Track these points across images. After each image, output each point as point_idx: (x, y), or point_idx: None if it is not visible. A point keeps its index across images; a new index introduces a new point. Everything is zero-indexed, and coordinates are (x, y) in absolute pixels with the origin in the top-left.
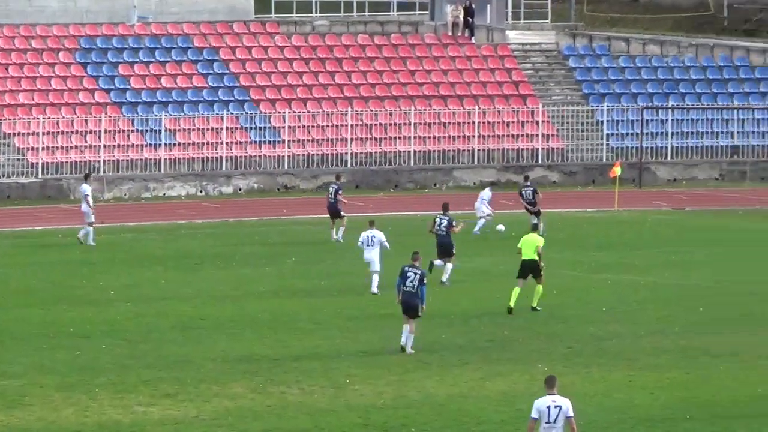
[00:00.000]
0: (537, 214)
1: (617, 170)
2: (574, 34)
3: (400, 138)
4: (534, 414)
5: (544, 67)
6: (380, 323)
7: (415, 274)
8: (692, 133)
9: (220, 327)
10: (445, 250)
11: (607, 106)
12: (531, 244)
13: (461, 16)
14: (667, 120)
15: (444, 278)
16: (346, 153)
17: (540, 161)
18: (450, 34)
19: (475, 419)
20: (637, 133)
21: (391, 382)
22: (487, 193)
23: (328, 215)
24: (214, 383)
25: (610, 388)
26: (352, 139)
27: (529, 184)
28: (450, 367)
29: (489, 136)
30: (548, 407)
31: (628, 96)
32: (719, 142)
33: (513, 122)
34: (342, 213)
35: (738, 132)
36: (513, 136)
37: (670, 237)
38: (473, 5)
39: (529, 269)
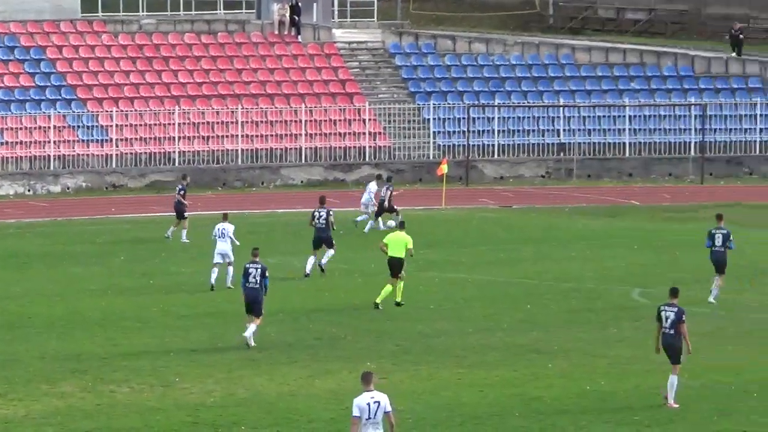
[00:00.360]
0: (393, 211)
1: (444, 168)
2: (400, 33)
3: (227, 136)
4: (355, 412)
5: (370, 66)
6: (209, 321)
7: (256, 269)
8: (518, 131)
9: (50, 326)
10: (326, 244)
11: (434, 104)
12: (400, 242)
13: (288, 15)
14: (493, 118)
15: (323, 261)
16: (174, 151)
17: (367, 159)
18: (277, 32)
19: (305, 417)
20: (464, 131)
21: (220, 381)
22: (373, 185)
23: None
24: (44, 382)
25: (439, 385)
26: (179, 138)
27: (388, 183)
28: (279, 365)
29: (316, 134)
30: (368, 404)
31: (454, 94)
32: (545, 140)
33: (340, 120)
34: (185, 213)
35: (564, 130)
36: (340, 134)
37: (497, 235)
38: (300, 4)
39: (398, 267)
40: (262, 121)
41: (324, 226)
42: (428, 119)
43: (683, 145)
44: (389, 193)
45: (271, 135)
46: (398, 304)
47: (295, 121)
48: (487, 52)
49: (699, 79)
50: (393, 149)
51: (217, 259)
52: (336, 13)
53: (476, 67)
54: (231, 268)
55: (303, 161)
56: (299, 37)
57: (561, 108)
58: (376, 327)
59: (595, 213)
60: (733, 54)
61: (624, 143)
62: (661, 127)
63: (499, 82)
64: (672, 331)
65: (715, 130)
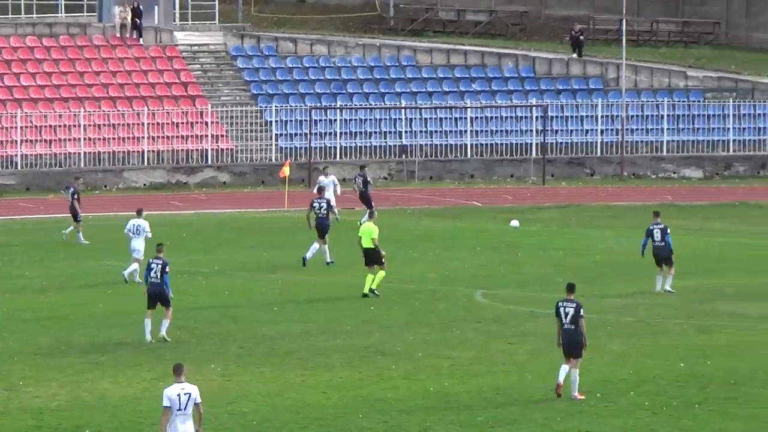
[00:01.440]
0: (367, 202)
1: (286, 170)
2: (242, 35)
3: (70, 140)
4: (165, 403)
5: (212, 68)
6: (52, 325)
7: (158, 264)
8: (360, 132)
9: None
10: (323, 231)
11: (276, 107)
12: (367, 234)
13: (129, 18)
14: (335, 120)
15: (328, 259)
16: (16, 155)
17: (209, 162)
18: (118, 35)
19: (149, 419)
20: (306, 134)
21: (64, 384)
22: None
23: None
24: None
25: (284, 387)
26: (22, 141)
27: (361, 174)
28: (123, 368)
29: (158, 137)
30: (178, 395)
31: (296, 96)
32: (387, 141)
33: (182, 123)
34: (79, 216)
35: (406, 132)
36: (182, 137)
37: (340, 236)
38: (141, 7)
39: (372, 257)
40: (104, 124)
41: (324, 215)
42: (270, 121)
43: (525, 147)
44: (361, 180)
45: (114, 138)
46: (372, 291)
47: (138, 124)
48: (328, 54)
49: (540, 81)
50: (235, 152)
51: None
52: (177, 15)
53: (318, 69)
54: (137, 264)
55: (145, 164)
56: (141, 39)
57: (402, 110)
58: (220, 329)
59: (438, 214)
60: (574, 55)
61: (465, 145)
62: (503, 128)
63: (341, 84)
64: (573, 326)
65: (557, 131)
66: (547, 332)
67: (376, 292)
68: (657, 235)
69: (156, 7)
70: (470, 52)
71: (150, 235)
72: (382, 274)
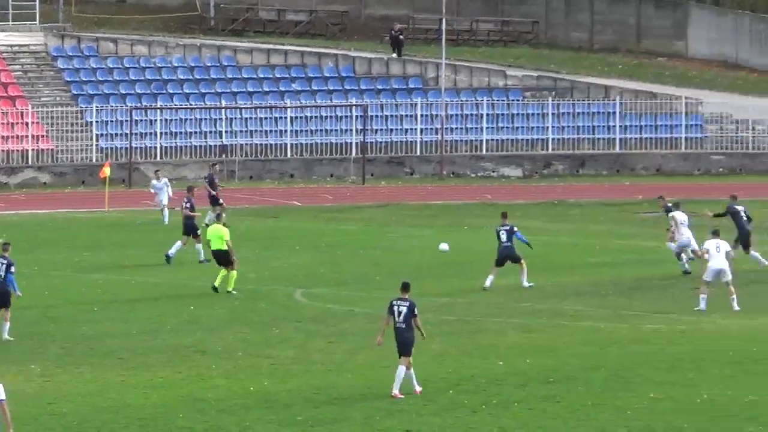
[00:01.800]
0: (216, 203)
1: (107, 171)
2: (62, 36)
3: None
4: None
5: (33, 69)
6: None
7: (2, 264)
8: (181, 133)
9: None
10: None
11: (96, 107)
12: (218, 235)
13: None
14: (155, 120)
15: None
16: None
17: (30, 162)
18: None
19: None
20: (127, 134)
21: None
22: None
23: None
24: None
25: (103, 387)
26: None
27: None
28: None
29: None
30: None
31: (116, 96)
32: (208, 141)
33: (2, 124)
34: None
35: (226, 131)
36: (2, 137)
37: (161, 237)
38: None
39: (222, 259)
40: None
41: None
42: (91, 122)
43: (344, 146)
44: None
45: None
46: (229, 292)
47: None
48: (149, 54)
49: (360, 80)
50: (56, 152)
51: None
52: None
53: (138, 69)
54: None
55: None
56: None
57: (223, 110)
58: (40, 329)
59: (258, 214)
60: (394, 55)
61: (285, 144)
62: (323, 128)
63: (162, 84)
64: (404, 325)
65: (376, 130)
66: (365, 331)
67: (233, 292)
68: (503, 236)
69: None
70: (290, 52)
71: None
72: (234, 274)
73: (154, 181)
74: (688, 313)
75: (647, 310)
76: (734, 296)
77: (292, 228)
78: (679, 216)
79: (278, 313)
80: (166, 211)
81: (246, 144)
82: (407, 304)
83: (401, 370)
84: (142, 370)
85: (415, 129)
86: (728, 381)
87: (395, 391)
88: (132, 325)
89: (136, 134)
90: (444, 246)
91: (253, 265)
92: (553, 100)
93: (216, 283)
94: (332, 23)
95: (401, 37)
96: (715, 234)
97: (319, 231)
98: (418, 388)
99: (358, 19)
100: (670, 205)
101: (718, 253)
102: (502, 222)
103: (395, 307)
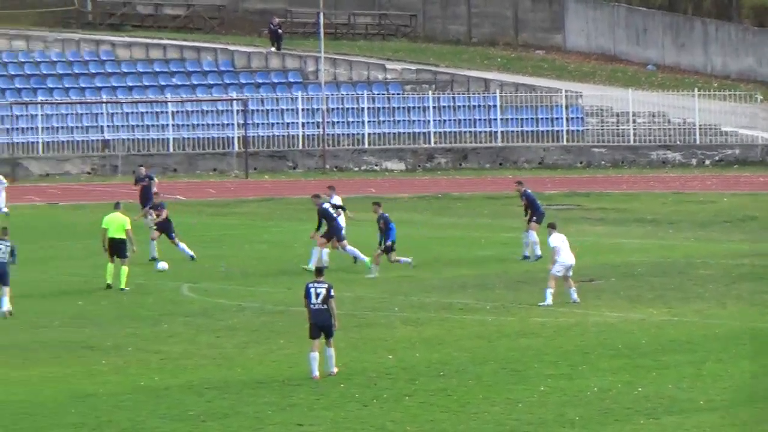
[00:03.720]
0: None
1: None
2: None
3: None
4: None
5: None
6: None
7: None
8: (63, 127)
9: None
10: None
11: None
12: (118, 223)
13: None
14: (37, 115)
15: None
16: None
17: None
18: None
19: None
20: (8, 129)
21: None
22: None
23: None
24: None
25: None
26: None
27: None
28: None
29: None
30: None
31: None
32: (90, 136)
33: None
34: None
35: (108, 126)
36: None
37: (45, 232)
38: None
39: (118, 248)
40: None
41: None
42: None
43: (226, 140)
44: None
45: None
46: (121, 290)
47: None
48: (27, 49)
49: (239, 74)
50: None
51: None
52: None
53: (17, 64)
54: None
55: None
56: None
57: (104, 105)
58: None
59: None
60: (273, 49)
61: (168, 139)
62: (204, 122)
63: (41, 79)
64: (324, 306)
65: (258, 124)
66: (254, 325)
67: (126, 289)
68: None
69: None
70: (169, 47)
71: None
72: (125, 270)
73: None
74: (572, 306)
75: (535, 303)
76: (574, 288)
77: (176, 223)
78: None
79: (166, 308)
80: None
81: (128, 139)
82: (325, 285)
83: (329, 350)
84: (31, 365)
85: (297, 123)
86: (618, 373)
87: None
88: (18, 321)
89: (17, 129)
90: (162, 265)
91: (140, 259)
92: (433, 94)
93: (108, 280)
94: (210, 17)
95: (280, 30)
96: (553, 227)
97: (203, 226)
98: (334, 369)
99: (236, 13)
100: (527, 190)
101: (565, 247)
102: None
103: (312, 289)
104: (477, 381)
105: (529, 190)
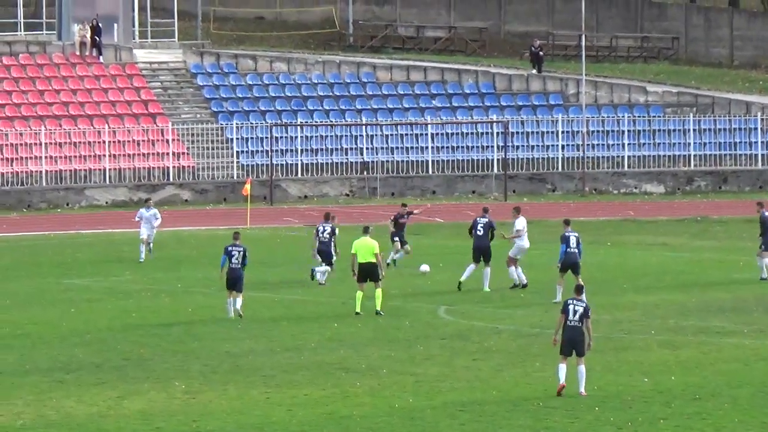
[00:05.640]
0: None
1: (248, 188)
2: (201, 53)
3: (31, 158)
4: None
5: (172, 86)
6: (15, 343)
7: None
8: (322, 149)
9: None
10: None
11: (237, 124)
12: (367, 248)
13: (89, 36)
14: (296, 137)
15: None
16: None
17: (171, 180)
18: (78, 53)
19: None
20: (267, 151)
21: (29, 403)
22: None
23: None
24: None
25: (247, 405)
26: None
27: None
28: (87, 387)
29: (120, 155)
30: None
31: (256, 113)
32: (349, 158)
33: (143, 141)
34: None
35: (367, 148)
36: (144, 154)
37: (302, 254)
38: (100, 24)
39: (369, 272)
40: (65, 142)
41: (327, 240)
42: (231, 139)
43: (486, 163)
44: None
45: (75, 156)
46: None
47: (99, 142)
48: (288, 71)
49: (500, 97)
50: (197, 169)
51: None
52: (137, 33)
53: (278, 86)
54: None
55: (107, 182)
56: (101, 57)
57: (363, 126)
58: (184, 347)
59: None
60: (534, 71)
61: (427, 161)
62: (464, 144)
63: (301, 101)
64: (580, 323)
65: (518, 147)
66: (510, 348)
67: (381, 312)
68: (572, 242)
69: (115, 24)
70: (430, 69)
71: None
72: (380, 293)
73: (143, 210)
74: None
75: None
76: None
77: (435, 245)
78: None
79: (422, 330)
80: (143, 247)
81: (387, 161)
82: (583, 304)
83: (580, 369)
84: (287, 387)
85: (557, 145)
86: None
87: (562, 381)
88: (275, 343)
89: (276, 151)
90: (424, 267)
91: (397, 281)
92: (694, 116)
93: (357, 308)
94: (471, 40)
95: (541, 53)
96: None
97: (462, 248)
98: (584, 392)
99: (498, 36)
100: (766, 212)
101: None
102: (566, 228)
103: (570, 306)
104: (733, 405)
105: (767, 213)
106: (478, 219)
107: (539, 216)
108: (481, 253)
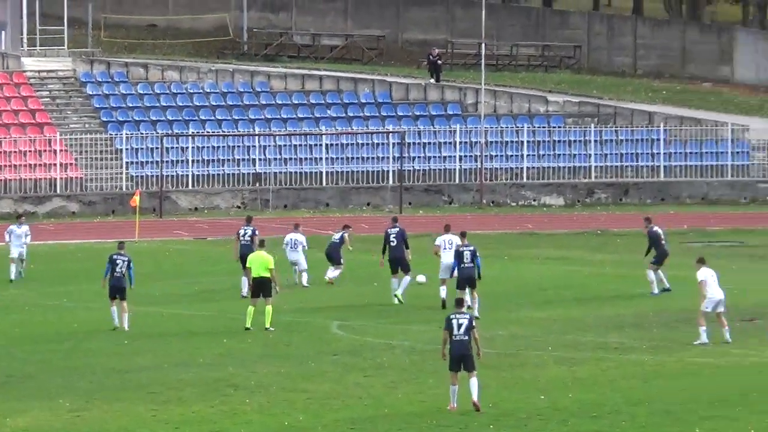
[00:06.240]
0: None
1: (137, 199)
2: (91, 61)
3: None
4: None
5: (61, 95)
6: None
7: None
8: (213, 160)
9: None
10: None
11: (126, 134)
12: (261, 262)
13: None
14: (187, 147)
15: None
16: None
17: (58, 191)
18: None
19: None
20: (158, 161)
21: None
22: None
23: None
24: None
25: (134, 422)
26: None
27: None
28: None
29: (5, 166)
30: None
31: (147, 123)
32: (241, 169)
33: (30, 151)
34: None
35: (260, 159)
36: (30, 165)
37: (193, 267)
38: None
39: (263, 287)
40: None
41: (248, 242)
42: (121, 149)
43: (381, 174)
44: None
45: None
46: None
47: None
48: (180, 80)
49: (397, 106)
50: (85, 180)
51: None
52: (25, 41)
53: (169, 95)
54: (305, 274)
55: None
56: None
57: (256, 137)
58: (70, 363)
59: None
60: (432, 80)
61: (321, 172)
62: (359, 155)
63: (193, 110)
64: (467, 337)
65: (414, 158)
66: (404, 364)
67: (270, 328)
68: (467, 256)
69: (2, 32)
70: (325, 78)
71: (307, 248)
72: (270, 310)
73: (14, 227)
74: (732, 346)
75: (691, 342)
76: (727, 327)
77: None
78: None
79: (314, 346)
80: (14, 266)
81: (280, 172)
82: (467, 317)
83: (473, 381)
84: (174, 404)
85: (454, 156)
86: None
87: (454, 404)
88: (163, 359)
89: (167, 162)
90: (421, 278)
91: (287, 297)
92: (595, 127)
93: (248, 324)
94: (368, 48)
95: (439, 62)
96: (702, 262)
97: (357, 261)
98: (476, 399)
99: (395, 44)
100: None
101: (713, 282)
102: (463, 242)
103: (454, 320)
104: (631, 422)
105: (655, 228)
106: (389, 230)
107: (435, 229)
108: (398, 264)
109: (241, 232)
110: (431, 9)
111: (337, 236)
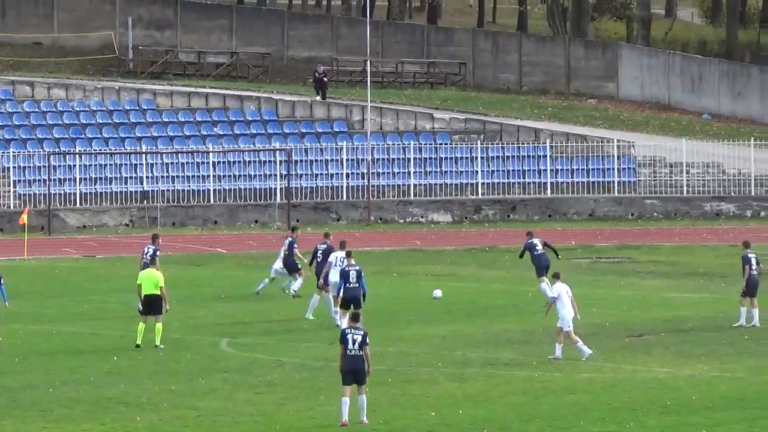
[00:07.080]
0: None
1: (25, 218)
2: None
3: None
4: None
5: None
6: None
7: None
8: (101, 178)
9: None
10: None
11: (13, 152)
12: (151, 280)
13: None
14: (75, 165)
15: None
16: None
17: None
18: None
19: None
20: (45, 180)
21: None
22: None
23: None
24: None
25: None
26: None
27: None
28: None
29: None
30: None
31: (34, 141)
32: (128, 187)
33: None
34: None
35: (147, 177)
36: None
37: (82, 285)
38: None
39: (153, 305)
40: None
41: (148, 262)
42: (8, 168)
43: (269, 191)
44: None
45: None
46: (156, 346)
47: None
48: (66, 97)
49: (283, 124)
50: None
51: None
52: None
53: (56, 113)
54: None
55: None
56: None
57: (143, 155)
58: None
59: (181, 261)
60: (318, 97)
61: (208, 190)
62: (246, 173)
63: (80, 128)
64: (360, 352)
65: (301, 175)
66: (294, 381)
67: (160, 346)
68: (353, 276)
69: None
70: (212, 95)
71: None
72: (160, 327)
73: None
74: (621, 361)
75: (580, 358)
76: (580, 342)
77: (216, 276)
78: None
79: (204, 363)
80: None
81: (168, 190)
82: (361, 332)
83: (361, 398)
84: (65, 422)
85: (341, 174)
86: (666, 431)
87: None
88: (53, 376)
89: (54, 180)
90: (437, 293)
91: (178, 314)
92: (482, 144)
93: (138, 341)
94: (254, 65)
95: (325, 79)
96: (557, 277)
97: (245, 279)
98: (365, 419)
99: (281, 62)
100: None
101: (567, 299)
102: (349, 261)
103: (349, 335)
104: None
105: (533, 241)
106: (318, 246)
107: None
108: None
109: (145, 249)
110: (316, 26)
111: (285, 247)
